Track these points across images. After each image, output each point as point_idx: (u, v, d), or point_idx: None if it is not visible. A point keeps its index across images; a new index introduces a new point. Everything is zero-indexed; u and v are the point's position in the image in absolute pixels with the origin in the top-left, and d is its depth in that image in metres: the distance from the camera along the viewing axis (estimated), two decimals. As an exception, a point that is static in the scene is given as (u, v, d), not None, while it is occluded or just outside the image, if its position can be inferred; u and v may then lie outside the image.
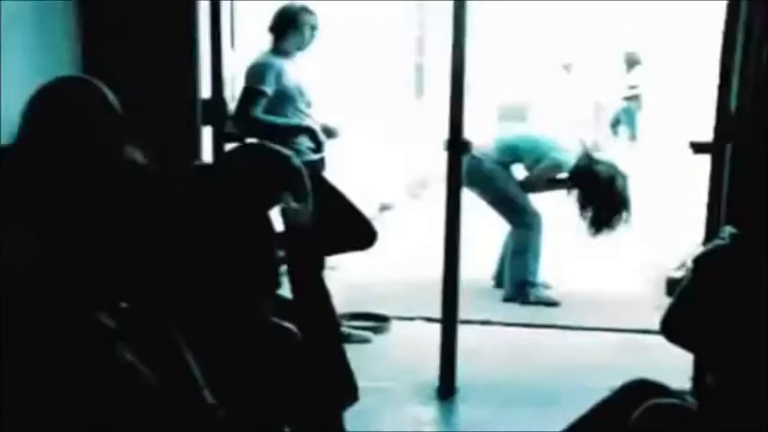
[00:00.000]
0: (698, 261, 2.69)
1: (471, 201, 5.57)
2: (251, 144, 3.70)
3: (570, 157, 5.72)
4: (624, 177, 5.64)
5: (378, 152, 8.41)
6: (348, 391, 3.28)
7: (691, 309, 2.66)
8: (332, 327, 3.14)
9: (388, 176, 9.05)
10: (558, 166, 5.72)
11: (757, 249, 2.57)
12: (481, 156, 5.61)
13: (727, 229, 2.73)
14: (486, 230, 6.01)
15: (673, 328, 2.74)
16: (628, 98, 13.66)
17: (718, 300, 2.57)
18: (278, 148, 3.15)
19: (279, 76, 4.51)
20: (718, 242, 2.71)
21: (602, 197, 5.60)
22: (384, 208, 8.80)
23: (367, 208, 7.68)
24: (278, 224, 3.26)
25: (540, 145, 5.79)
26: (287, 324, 3.10)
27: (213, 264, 2.90)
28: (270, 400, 2.96)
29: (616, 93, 13.88)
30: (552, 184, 5.78)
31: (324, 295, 4.56)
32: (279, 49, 4.60)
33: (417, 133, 9.55)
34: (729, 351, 2.58)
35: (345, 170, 6.62)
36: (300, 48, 4.63)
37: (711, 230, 3.61)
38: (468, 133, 4.00)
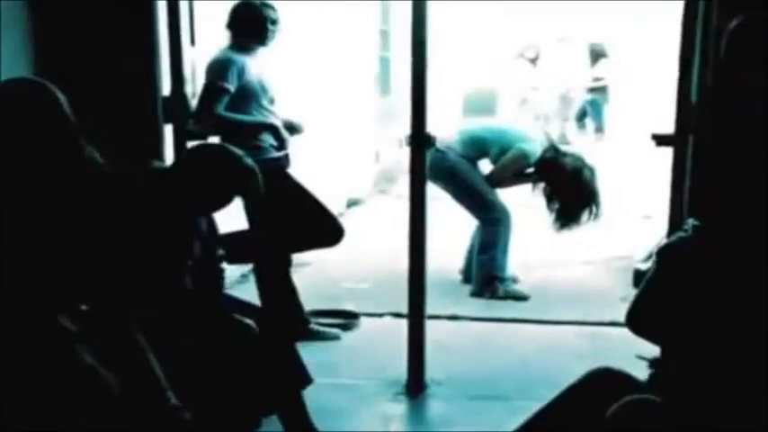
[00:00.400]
0: (660, 254, 2.69)
1: (440, 194, 5.58)
2: (205, 146, 3.67)
3: (536, 148, 5.66)
4: (591, 170, 5.62)
5: (344, 147, 8.37)
6: (303, 378, 3.35)
7: (654, 301, 2.67)
8: (291, 322, 3.16)
9: (356, 172, 9.02)
10: (524, 158, 5.64)
11: (719, 241, 2.58)
12: (445, 149, 5.56)
13: (690, 222, 2.73)
14: (455, 224, 5.99)
15: (637, 320, 2.76)
16: (593, 90, 13.72)
17: (681, 292, 2.58)
18: (231, 149, 3.16)
19: (241, 73, 4.44)
20: (680, 234, 2.72)
21: (569, 190, 5.58)
22: (352, 203, 8.77)
23: (334, 204, 7.72)
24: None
25: (505, 136, 5.71)
26: (246, 320, 3.11)
27: (164, 262, 2.91)
28: (233, 397, 2.98)
29: (582, 85, 13.93)
30: (518, 177, 5.74)
31: (289, 292, 4.58)
32: (239, 44, 4.53)
33: (384, 127, 9.53)
34: (692, 343, 2.58)
35: (311, 166, 6.60)
36: (261, 43, 4.57)
37: (675, 223, 3.62)
38: (433, 127, 3.98)
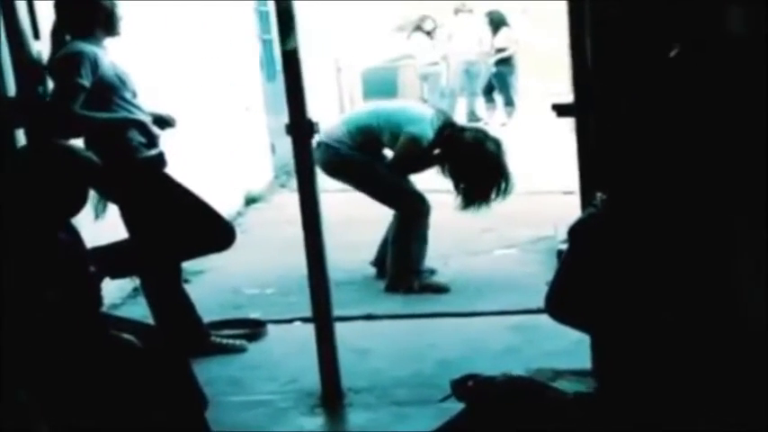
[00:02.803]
0: (571, 232, 2.67)
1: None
2: (29, 148, 3.57)
3: (426, 128, 5.54)
4: (496, 142, 5.55)
5: (235, 140, 8.26)
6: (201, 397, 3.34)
7: (571, 284, 2.64)
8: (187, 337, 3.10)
9: (252, 166, 8.92)
10: (415, 141, 5.53)
11: (627, 213, 2.56)
12: (335, 143, 5.56)
13: (598, 195, 2.72)
14: (375, 214, 5.96)
15: (556, 306, 2.73)
16: (498, 62, 13.80)
17: (596, 270, 2.55)
18: (74, 147, 3.10)
19: (95, 66, 4.25)
20: (590, 210, 2.70)
21: (472, 165, 5.49)
22: (251, 201, 8.67)
23: (231, 202, 7.65)
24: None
25: (393, 119, 5.62)
26: (127, 336, 3.07)
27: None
28: (119, 417, 2.94)
29: (486, 57, 14.00)
30: (423, 161, 5.62)
31: (182, 304, 4.50)
32: (86, 35, 4.32)
33: (275, 116, 9.43)
34: (618, 325, 2.56)
35: (199, 164, 6.49)
36: (110, 33, 4.39)
37: (587, 198, 3.56)
38: (317, 113, 3.93)
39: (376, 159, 5.69)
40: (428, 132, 5.54)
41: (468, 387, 2.66)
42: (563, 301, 2.68)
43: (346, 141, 5.60)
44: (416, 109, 5.83)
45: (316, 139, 5.03)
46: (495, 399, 2.62)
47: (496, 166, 5.49)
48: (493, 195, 5.52)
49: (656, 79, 2.78)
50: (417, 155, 5.56)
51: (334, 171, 5.59)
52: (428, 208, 5.68)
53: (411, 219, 5.65)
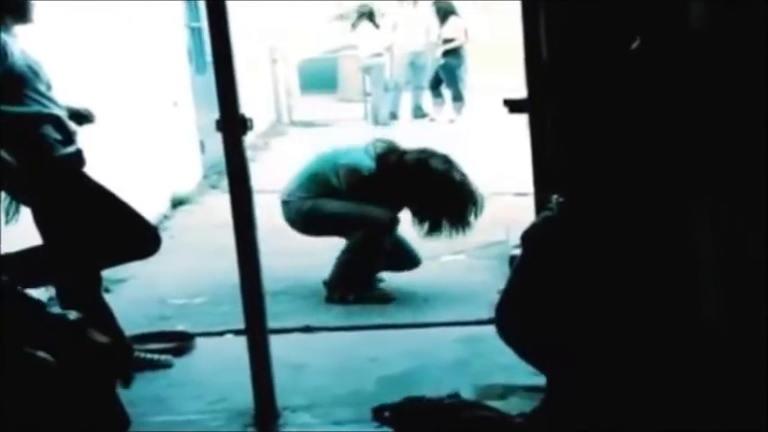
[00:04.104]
0: (524, 237, 2.66)
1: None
2: None
3: (361, 157, 5.73)
4: (444, 159, 5.65)
5: (160, 137, 8.19)
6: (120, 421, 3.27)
7: (523, 297, 2.63)
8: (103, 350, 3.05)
9: (179, 165, 8.86)
10: (352, 170, 5.69)
11: (584, 216, 2.56)
12: (288, 198, 5.79)
13: (554, 198, 2.72)
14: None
15: (506, 322, 2.70)
16: (446, 54, 13.84)
17: (551, 280, 2.55)
18: None
19: (4, 55, 4.17)
20: (545, 213, 2.70)
21: (419, 189, 5.61)
22: (178, 203, 8.60)
23: (156, 204, 7.57)
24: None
25: (332, 159, 5.82)
26: (41, 353, 2.98)
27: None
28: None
29: (432, 48, 14.04)
30: (373, 193, 5.66)
31: (101, 315, 4.44)
32: None
33: (205, 111, 9.37)
34: (562, 346, 2.56)
35: (120, 163, 6.42)
36: (20, 19, 4.32)
37: (541, 199, 3.58)
38: (248, 107, 3.91)
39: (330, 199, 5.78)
40: (363, 161, 5.70)
41: (385, 418, 2.67)
42: (514, 317, 2.67)
43: (299, 194, 5.78)
44: (356, 145, 5.95)
45: (280, 198, 5.57)
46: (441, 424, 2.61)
47: (446, 185, 5.57)
48: (454, 217, 5.63)
49: (615, 73, 2.80)
50: (361, 186, 5.67)
51: (298, 226, 5.84)
52: (394, 224, 5.75)
53: (375, 236, 5.68)
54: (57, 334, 3.07)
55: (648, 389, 2.43)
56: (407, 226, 5.81)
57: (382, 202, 5.67)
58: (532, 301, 2.60)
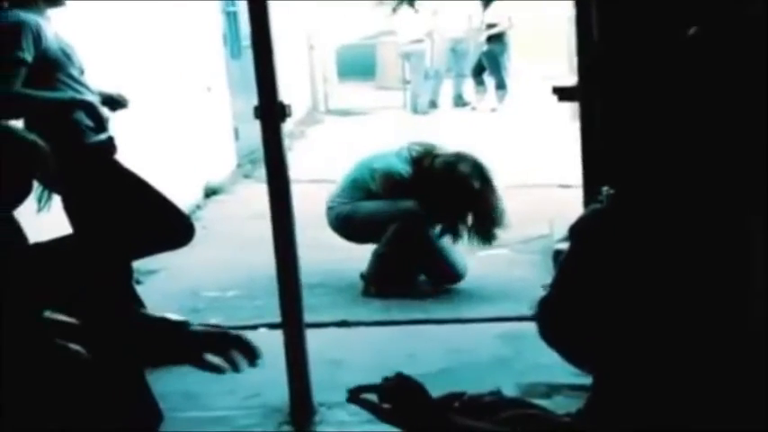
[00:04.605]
0: (572, 231, 2.63)
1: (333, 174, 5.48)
2: None
3: (393, 160, 5.82)
4: (474, 164, 5.68)
5: (194, 124, 8.22)
6: (152, 415, 3.33)
7: (571, 295, 2.60)
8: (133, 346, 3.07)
9: (213, 153, 8.88)
10: (386, 174, 5.78)
11: (637, 210, 2.53)
12: (336, 204, 5.89)
13: (605, 190, 2.69)
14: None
15: (551, 322, 2.67)
16: (489, 40, 13.78)
17: (597, 276, 2.52)
18: (17, 129, 3.08)
19: (38, 39, 4.20)
20: (594, 206, 2.67)
21: (444, 197, 5.64)
22: (211, 192, 8.63)
23: (189, 194, 7.60)
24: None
25: (369, 164, 5.92)
26: (73, 346, 3.02)
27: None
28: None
29: (475, 34, 13.98)
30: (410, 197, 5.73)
31: (129, 308, 4.47)
32: (27, 4, 4.26)
33: (240, 97, 9.40)
34: (612, 341, 2.53)
35: (153, 151, 6.45)
36: (54, 2, 4.34)
37: (590, 192, 3.60)
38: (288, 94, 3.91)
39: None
40: (395, 165, 5.79)
41: (453, 407, 2.62)
42: (561, 318, 2.64)
43: (341, 199, 5.89)
44: (391, 148, 6.01)
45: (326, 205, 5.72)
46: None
47: (464, 192, 5.62)
48: (476, 225, 5.71)
49: (671, 60, 2.76)
50: (396, 190, 5.74)
51: (340, 231, 5.95)
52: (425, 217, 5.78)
53: (408, 228, 5.70)
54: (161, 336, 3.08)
55: (697, 390, 2.41)
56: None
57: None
58: (580, 297, 2.57)
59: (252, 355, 2.90)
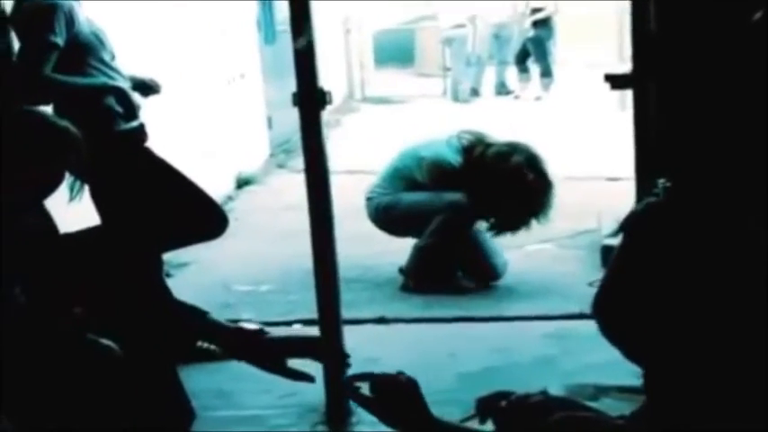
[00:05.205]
0: (626, 224, 2.63)
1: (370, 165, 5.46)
2: (17, 113, 3.54)
3: (443, 148, 5.77)
4: (527, 154, 5.63)
5: (225, 112, 8.24)
6: (183, 413, 3.35)
7: (625, 288, 2.59)
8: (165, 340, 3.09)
9: (245, 142, 8.90)
10: (434, 164, 5.74)
11: (695, 204, 2.51)
12: (376, 195, 5.87)
13: (661, 182, 2.68)
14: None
15: (606, 315, 2.68)
16: (535, 24, 13.71)
17: (655, 272, 2.51)
18: (50, 115, 3.08)
19: (69, 21, 4.22)
20: (649, 200, 2.66)
21: (496, 188, 5.60)
22: (243, 183, 8.65)
23: (220, 184, 7.62)
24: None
25: (415, 153, 5.88)
26: (105, 341, 3.04)
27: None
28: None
29: (519, 19, 13.92)
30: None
31: (161, 302, 4.48)
32: None
33: (274, 84, 9.41)
34: (669, 342, 2.52)
35: (183, 139, 6.47)
36: None
37: (644, 185, 3.57)
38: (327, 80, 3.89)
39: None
40: (445, 154, 5.74)
41: (500, 407, 2.61)
42: (615, 311, 2.63)
43: (382, 190, 5.88)
44: (437, 136, 5.98)
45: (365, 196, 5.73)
46: (531, 423, 2.57)
47: (521, 183, 5.57)
48: (524, 219, 5.68)
49: (734, 46, 2.74)
50: (446, 181, 5.70)
51: (379, 223, 5.92)
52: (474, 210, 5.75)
53: (455, 221, 5.69)
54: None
55: (755, 393, 2.39)
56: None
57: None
58: (633, 295, 2.56)
59: (341, 357, 2.90)
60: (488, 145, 5.74)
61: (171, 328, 4.13)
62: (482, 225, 5.78)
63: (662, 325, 2.47)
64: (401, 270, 5.84)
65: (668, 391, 2.47)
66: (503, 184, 5.58)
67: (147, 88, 4.60)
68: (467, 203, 5.64)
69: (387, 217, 5.85)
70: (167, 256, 4.86)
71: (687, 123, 2.85)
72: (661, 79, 3.39)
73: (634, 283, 2.54)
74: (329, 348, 2.96)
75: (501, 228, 5.73)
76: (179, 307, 3.18)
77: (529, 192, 5.58)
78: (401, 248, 5.86)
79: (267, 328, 2.96)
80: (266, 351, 2.90)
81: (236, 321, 5.12)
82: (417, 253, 5.76)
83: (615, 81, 3.68)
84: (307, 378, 2.92)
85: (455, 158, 5.71)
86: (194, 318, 3.06)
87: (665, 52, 3.29)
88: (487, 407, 2.63)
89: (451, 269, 5.84)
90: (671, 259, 2.45)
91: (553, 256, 6.33)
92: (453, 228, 5.65)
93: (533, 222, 5.68)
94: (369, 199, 5.92)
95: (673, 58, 3.20)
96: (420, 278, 5.74)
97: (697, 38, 2.97)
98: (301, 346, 2.99)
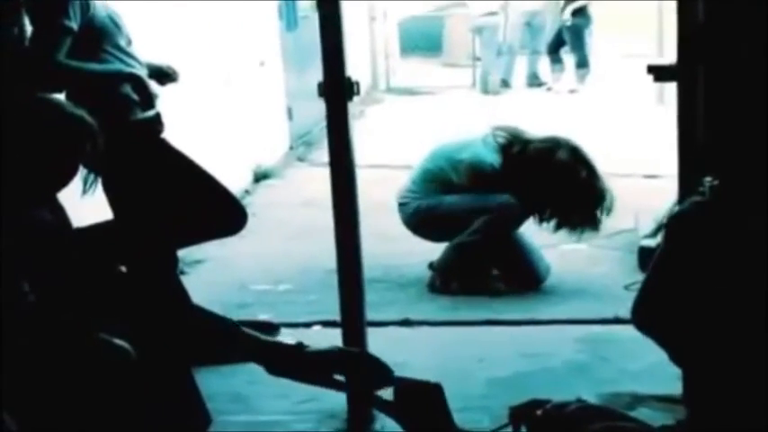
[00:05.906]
0: (670, 225, 2.63)
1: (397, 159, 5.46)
2: (30, 101, 3.55)
3: (480, 149, 5.74)
4: (571, 149, 5.63)
5: (244, 102, 8.24)
6: (199, 417, 3.34)
7: (667, 289, 2.60)
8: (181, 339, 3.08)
9: (264, 134, 8.90)
10: (473, 166, 5.71)
11: (743, 204, 2.51)
12: (404, 199, 5.85)
13: (706, 181, 2.67)
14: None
15: (646, 316, 2.68)
16: (573, 13, 13.64)
17: (699, 274, 2.51)
18: (65, 103, 3.09)
19: (85, 5, 4.23)
20: (694, 199, 2.66)
21: (543, 185, 5.60)
22: (261, 176, 8.66)
23: (237, 178, 7.62)
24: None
25: (449, 154, 5.85)
26: (119, 342, 3.04)
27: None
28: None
29: (552, 7, 13.87)
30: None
31: (176, 301, 4.50)
32: None
33: (295, 74, 9.41)
34: (712, 342, 2.52)
35: (199, 130, 6.47)
36: None
37: (687, 184, 3.54)
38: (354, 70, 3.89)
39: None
40: (484, 155, 5.71)
41: (535, 417, 2.60)
42: (656, 311, 2.63)
43: (416, 194, 5.84)
44: (470, 136, 5.95)
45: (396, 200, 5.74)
46: None
47: (571, 181, 5.57)
48: (579, 216, 5.65)
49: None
50: (486, 184, 5.68)
51: (415, 229, 5.89)
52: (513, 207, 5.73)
53: (503, 221, 5.69)
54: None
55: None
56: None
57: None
58: (677, 301, 2.56)
59: (384, 371, 2.90)
60: (527, 141, 5.73)
61: (188, 330, 4.16)
62: (541, 225, 5.78)
63: (708, 331, 2.48)
64: (431, 265, 5.84)
65: (711, 397, 2.47)
66: (552, 182, 5.58)
67: (164, 76, 4.61)
68: (516, 204, 5.63)
69: (426, 222, 5.82)
70: (181, 253, 4.87)
71: (737, 118, 2.83)
72: (710, 71, 3.38)
73: (677, 288, 2.54)
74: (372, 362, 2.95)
75: (570, 227, 5.71)
76: (203, 314, 3.17)
77: (582, 187, 5.58)
78: (427, 247, 5.88)
79: (301, 340, 2.94)
80: (311, 368, 2.89)
81: (250, 322, 5.20)
82: (455, 249, 5.74)
83: (659, 73, 3.65)
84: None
85: (494, 158, 5.68)
86: (223, 328, 3.05)
87: (714, 43, 3.27)
88: (521, 416, 2.62)
89: (486, 270, 5.82)
90: (718, 261, 2.46)
91: (588, 256, 6.32)
92: (499, 228, 5.66)
93: (601, 218, 5.67)
94: (402, 204, 5.88)
95: (723, 50, 3.19)
96: (450, 276, 5.73)
97: (750, 28, 2.96)
98: (345, 362, 3.00)
